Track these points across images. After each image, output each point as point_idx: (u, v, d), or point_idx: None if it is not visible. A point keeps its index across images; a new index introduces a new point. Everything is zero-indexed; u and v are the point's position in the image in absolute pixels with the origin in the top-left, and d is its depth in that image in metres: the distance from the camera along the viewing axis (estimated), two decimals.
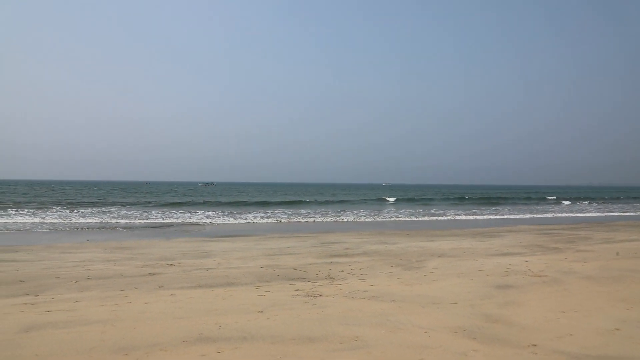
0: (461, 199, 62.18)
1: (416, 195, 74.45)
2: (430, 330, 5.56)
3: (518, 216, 34.79)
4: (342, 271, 10.10)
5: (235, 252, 13.52)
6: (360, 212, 37.12)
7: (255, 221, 28.07)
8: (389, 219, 30.98)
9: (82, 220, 26.86)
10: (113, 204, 43.94)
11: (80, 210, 34.42)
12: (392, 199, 60.68)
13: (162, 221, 27.65)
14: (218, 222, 27.64)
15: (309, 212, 36.08)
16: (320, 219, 30.02)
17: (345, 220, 30.02)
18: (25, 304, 7.05)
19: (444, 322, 5.92)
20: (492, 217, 33.82)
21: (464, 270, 10.04)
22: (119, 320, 5.99)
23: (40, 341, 5.13)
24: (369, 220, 30.26)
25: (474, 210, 40.63)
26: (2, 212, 31.31)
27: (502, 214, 36.60)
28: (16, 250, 13.93)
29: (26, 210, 34.13)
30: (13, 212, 31.77)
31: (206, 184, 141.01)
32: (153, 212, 34.67)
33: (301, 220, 29.58)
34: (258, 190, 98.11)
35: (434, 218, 32.33)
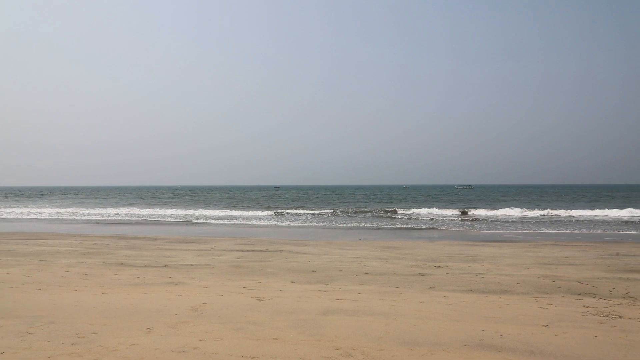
0: None
1: None
2: None
3: None
4: None
5: (503, 258, 12.77)
6: None
7: (524, 231, 26.03)
8: None
9: (344, 224, 29.85)
10: (375, 205, 47.53)
11: (343, 211, 38.44)
12: None
13: (420, 225, 28.39)
14: (477, 225, 26.73)
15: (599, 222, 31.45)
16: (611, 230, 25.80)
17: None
18: (320, 290, 8.17)
19: None
20: None
21: None
22: (399, 315, 6.32)
23: (336, 324, 5.82)
24: None
25: None
26: (292, 214, 37.61)
27: None
28: (306, 245, 16.41)
29: (301, 211, 40.15)
30: (302, 212, 37.89)
31: (463, 186, 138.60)
32: (414, 211, 36.01)
33: (588, 231, 26.01)
34: (522, 192, 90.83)
35: None
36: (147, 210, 43.58)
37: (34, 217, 36.60)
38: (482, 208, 40.72)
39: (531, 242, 17.94)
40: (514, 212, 35.69)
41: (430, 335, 5.37)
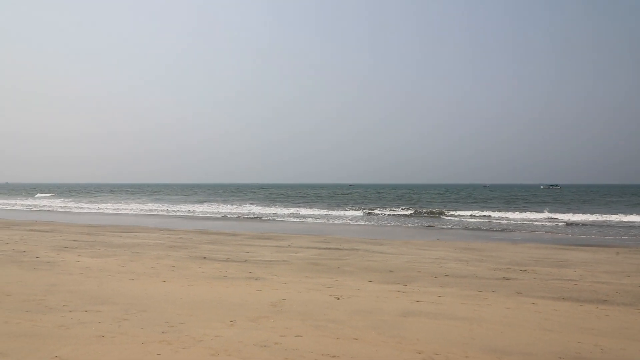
0: None
1: None
2: None
3: None
4: None
5: (598, 264, 11.76)
6: None
7: (622, 236, 23.91)
8: None
9: (420, 223, 29.03)
10: (453, 204, 45.91)
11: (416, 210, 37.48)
12: None
13: (501, 226, 27.01)
14: (565, 228, 24.90)
15: None
16: None
17: None
18: (398, 291, 7.99)
19: None
20: None
21: None
22: (484, 321, 6.01)
23: (417, 327, 5.65)
24: None
25: None
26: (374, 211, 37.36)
27: None
28: (382, 244, 16.21)
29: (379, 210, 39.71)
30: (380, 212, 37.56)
31: (549, 186, 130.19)
32: (496, 214, 34.31)
33: None
34: (623, 192, 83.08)
35: None
36: (229, 206, 45.56)
37: (127, 212, 39.55)
38: (572, 210, 37.90)
39: (631, 247, 16.39)
40: (611, 215, 32.63)
41: (520, 344, 5.04)
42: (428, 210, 38.95)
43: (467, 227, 25.75)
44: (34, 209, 43.68)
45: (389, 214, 36.58)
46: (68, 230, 19.96)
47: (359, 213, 37.37)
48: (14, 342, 4.77)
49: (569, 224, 27.56)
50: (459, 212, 36.03)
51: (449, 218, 32.90)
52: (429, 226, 26.62)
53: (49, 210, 41.12)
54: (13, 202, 55.53)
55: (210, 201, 57.22)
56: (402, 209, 40.89)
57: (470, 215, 34.13)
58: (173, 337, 4.99)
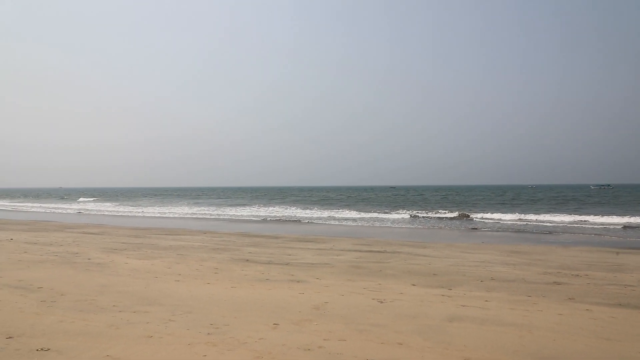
0: None
1: None
2: None
3: None
4: None
5: None
6: None
7: None
8: None
9: (463, 226, 28.26)
10: (498, 206, 44.58)
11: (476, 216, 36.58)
12: None
13: (549, 229, 25.97)
14: (620, 230, 23.65)
15: None
16: None
17: None
18: (443, 295, 7.81)
19: None
20: None
21: None
22: (534, 327, 5.77)
23: (463, 333, 5.48)
24: None
25: None
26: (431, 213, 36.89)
27: None
28: (424, 247, 15.92)
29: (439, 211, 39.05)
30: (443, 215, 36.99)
31: (601, 186, 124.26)
32: (544, 216, 33.05)
33: None
34: None
35: None
36: (270, 208, 46.17)
37: (170, 215, 40.73)
38: (629, 212, 35.69)
39: None
40: None
41: (575, 353, 4.79)
42: (472, 212, 37.97)
43: (513, 230, 24.96)
44: (84, 212, 45.73)
45: (433, 216, 35.89)
46: (116, 232, 20.73)
47: (402, 215, 36.82)
48: (69, 340, 4.96)
49: (626, 227, 26.13)
50: (504, 215, 34.87)
51: (494, 220, 31.96)
52: (473, 228, 25.99)
53: (96, 214, 42.91)
54: (64, 206, 58.37)
55: (250, 204, 58.08)
56: (446, 211, 40.07)
57: (519, 218, 32.90)
58: (218, 339, 5.06)
